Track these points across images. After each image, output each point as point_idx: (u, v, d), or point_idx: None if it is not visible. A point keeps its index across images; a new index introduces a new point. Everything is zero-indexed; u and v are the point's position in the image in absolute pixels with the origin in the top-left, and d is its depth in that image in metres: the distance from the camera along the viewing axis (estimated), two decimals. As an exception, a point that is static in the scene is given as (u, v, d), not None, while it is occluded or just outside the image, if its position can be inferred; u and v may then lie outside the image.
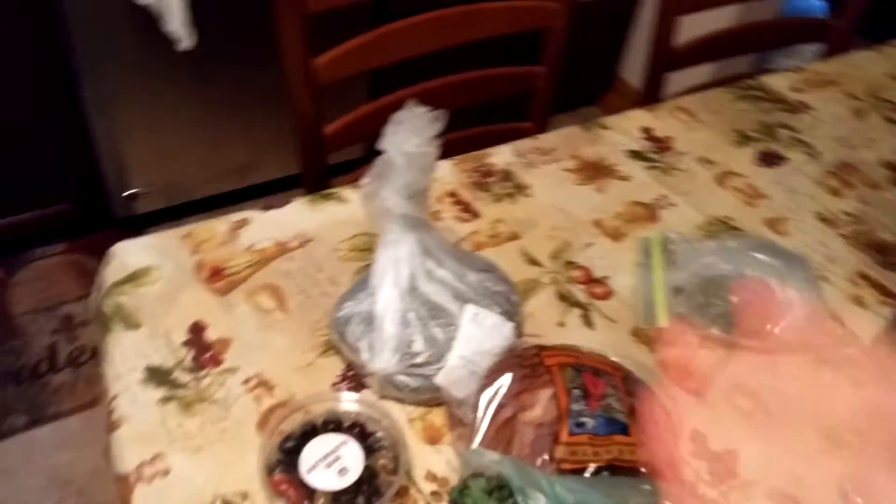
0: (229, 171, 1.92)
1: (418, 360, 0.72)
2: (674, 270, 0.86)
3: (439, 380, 0.71)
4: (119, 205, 1.84)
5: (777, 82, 1.28)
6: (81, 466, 1.52)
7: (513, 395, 0.65)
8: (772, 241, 0.94)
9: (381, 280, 0.75)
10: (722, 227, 0.98)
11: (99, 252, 1.93)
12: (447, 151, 1.22)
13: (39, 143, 1.68)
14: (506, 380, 0.67)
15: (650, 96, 1.37)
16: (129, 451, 0.69)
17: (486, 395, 0.67)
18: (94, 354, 1.68)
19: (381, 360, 0.72)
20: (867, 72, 1.34)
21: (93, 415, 1.60)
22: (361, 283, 0.79)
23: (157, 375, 0.75)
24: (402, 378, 0.72)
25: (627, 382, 0.67)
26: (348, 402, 0.71)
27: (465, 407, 0.69)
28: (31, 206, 1.76)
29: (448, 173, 1.02)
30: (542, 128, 1.29)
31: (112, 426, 0.71)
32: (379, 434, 0.69)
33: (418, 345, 0.73)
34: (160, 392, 0.74)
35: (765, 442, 0.74)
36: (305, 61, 1.02)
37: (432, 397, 0.73)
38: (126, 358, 0.76)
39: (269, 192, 2.03)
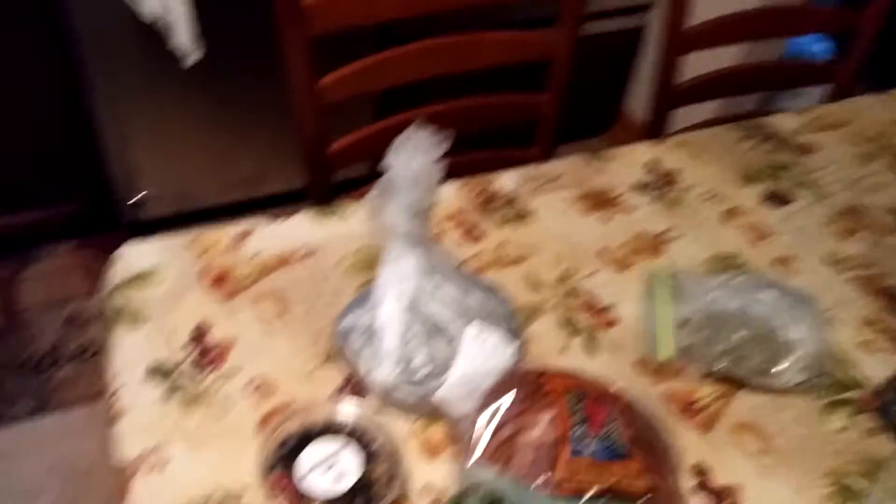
0: (237, 182, 1.95)
1: (418, 375, 0.73)
2: (680, 303, 0.87)
3: (438, 396, 0.73)
4: (126, 209, 1.86)
5: (784, 123, 1.30)
6: (83, 458, 1.53)
7: (513, 415, 0.66)
8: (778, 280, 0.95)
9: (384, 294, 0.76)
10: (727, 264, 0.99)
11: (106, 253, 1.95)
12: (452, 174, 1.24)
13: (52, 144, 1.71)
14: (506, 399, 0.68)
15: (655, 131, 1.39)
16: (129, 442, 0.71)
17: (486, 414, 0.68)
18: (99, 351, 1.70)
19: (381, 372, 0.73)
20: (873, 117, 1.36)
21: (96, 408, 1.61)
22: (365, 295, 0.80)
23: (160, 373, 0.76)
24: (401, 392, 0.74)
25: (629, 412, 0.68)
26: (348, 411, 0.72)
27: (464, 424, 0.70)
28: (43, 205, 1.79)
29: (453, 195, 1.04)
30: (547, 155, 1.31)
31: (113, 418, 0.73)
32: (377, 444, 0.70)
33: (419, 360, 0.74)
34: (161, 389, 0.75)
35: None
36: (310, 82, 1.04)
37: (433, 411, 0.74)
38: (129, 354, 0.78)
39: (275, 205, 2.05)
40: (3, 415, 1.57)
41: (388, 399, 0.75)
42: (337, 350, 0.78)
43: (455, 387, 0.73)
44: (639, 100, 2.39)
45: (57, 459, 1.52)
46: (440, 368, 0.74)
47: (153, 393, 0.74)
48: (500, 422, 0.67)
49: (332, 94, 1.06)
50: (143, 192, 1.84)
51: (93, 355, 1.70)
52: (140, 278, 0.85)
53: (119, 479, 0.68)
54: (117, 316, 0.81)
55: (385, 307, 0.76)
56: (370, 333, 0.76)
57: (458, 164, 1.24)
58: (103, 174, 1.79)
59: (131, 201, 1.84)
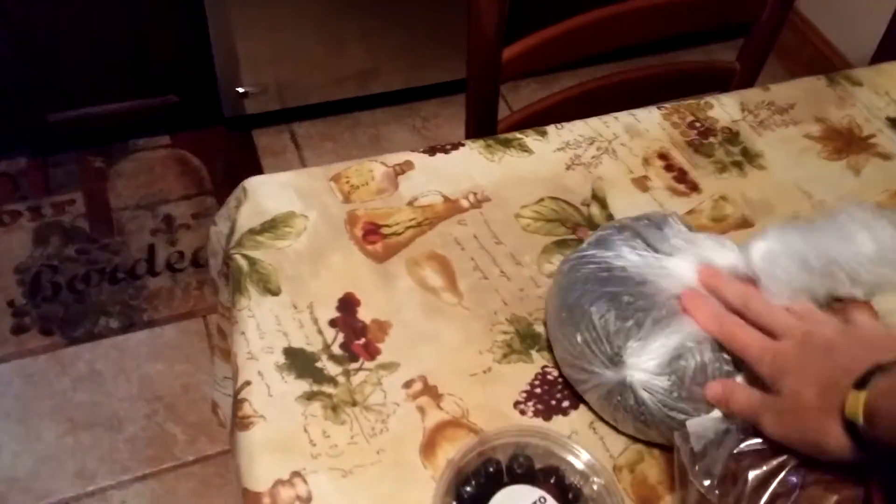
0: (347, 78, 1.73)
1: (684, 386, 0.53)
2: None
3: (692, 425, 0.52)
4: (228, 102, 1.68)
5: None
6: (173, 381, 1.43)
7: (807, 482, 0.46)
8: None
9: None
10: None
11: (204, 149, 1.76)
12: (635, 94, 0.99)
13: (151, 28, 1.51)
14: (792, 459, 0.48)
15: (892, 47, 1.08)
16: (261, 463, 0.54)
17: (755, 474, 0.48)
18: (193, 262, 1.57)
19: (640, 360, 0.53)
20: None
21: (189, 326, 1.50)
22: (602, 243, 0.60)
23: (300, 361, 0.59)
24: (644, 394, 0.53)
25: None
26: (545, 437, 0.54)
27: (707, 476, 0.51)
28: (137, 94, 1.62)
29: (656, 126, 0.80)
30: (754, 71, 1.03)
31: (242, 424, 0.56)
32: (585, 490, 0.52)
33: (690, 364, 0.53)
34: (302, 385, 0.58)
35: None
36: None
37: (662, 434, 0.55)
38: (263, 333, 0.60)
39: (387, 104, 1.83)
40: (90, 330, 1.47)
41: (626, 395, 0.54)
42: (567, 297, 0.58)
43: (717, 421, 0.53)
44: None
45: (146, 382, 1.42)
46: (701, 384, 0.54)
47: (292, 392, 0.57)
48: (776, 491, 0.47)
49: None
50: (248, 87, 1.65)
51: (187, 266, 1.57)
52: (275, 225, 0.67)
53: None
54: (247, 277, 0.63)
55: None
56: (627, 311, 0.55)
57: (636, 80, 1.00)
58: (205, 64, 1.60)
59: (236, 92, 1.65)
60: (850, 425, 0.45)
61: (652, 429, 0.55)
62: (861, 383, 0.45)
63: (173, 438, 1.37)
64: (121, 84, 1.59)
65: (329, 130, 1.80)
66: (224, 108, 1.68)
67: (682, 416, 0.53)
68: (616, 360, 0.54)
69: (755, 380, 0.52)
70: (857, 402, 0.44)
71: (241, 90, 1.64)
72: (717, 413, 0.53)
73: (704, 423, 0.52)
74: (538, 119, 0.90)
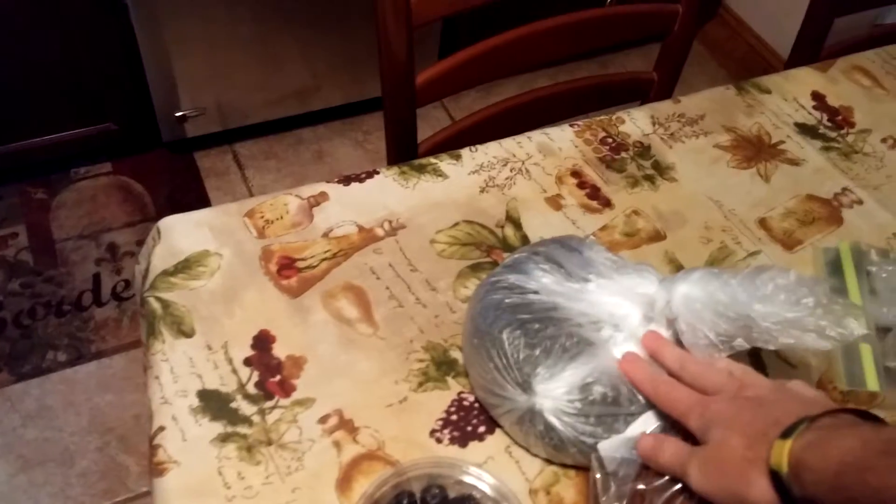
0: (287, 96, 1.73)
1: (593, 411, 0.54)
2: (875, 302, 0.66)
3: (603, 448, 0.54)
4: (167, 126, 1.66)
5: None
6: (124, 412, 1.42)
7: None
8: None
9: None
10: (924, 240, 0.77)
11: (146, 174, 1.74)
12: (556, 109, 1.01)
13: (83, 55, 1.50)
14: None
15: (806, 47, 1.12)
16: (176, 509, 0.54)
17: (663, 497, 0.50)
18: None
19: (548, 387, 0.54)
20: None
21: (137, 356, 1.48)
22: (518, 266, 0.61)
23: (214, 403, 0.59)
24: (553, 420, 0.55)
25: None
26: (459, 470, 0.55)
27: (618, 499, 0.52)
28: (74, 124, 1.60)
29: (569, 144, 0.82)
30: (672, 79, 1.06)
31: (156, 470, 0.56)
32: (497, 516, 0.53)
33: (598, 390, 0.55)
34: (217, 427, 0.58)
35: None
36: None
37: (573, 457, 0.56)
38: (177, 376, 0.60)
39: (329, 119, 1.84)
40: (38, 365, 1.45)
41: (536, 423, 0.55)
42: (479, 324, 0.58)
43: (627, 443, 0.54)
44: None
45: (97, 414, 1.40)
46: (619, 412, 0.55)
47: (206, 434, 0.57)
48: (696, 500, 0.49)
49: (425, 11, 0.81)
50: (186, 111, 1.64)
51: (133, 294, 1.56)
52: (188, 265, 0.67)
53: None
54: (160, 319, 0.63)
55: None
56: (539, 329, 0.56)
57: (557, 95, 1.01)
58: (140, 89, 1.58)
59: (175, 116, 1.64)
60: (775, 476, 0.44)
61: (563, 453, 0.56)
62: (787, 433, 0.45)
63: (126, 470, 1.36)
64: (57, 114, 1.57)
65: (272, 149, 1.80)
66: (163, 133, 1.67)
67: (592, 440, 0.55)
68: (526, 387, 0.56)
69: (669, 419, 0.53)
70: (781, 451, 0.44)
71: (179, 114, 1.63)
72: (629, 433, 0.54)
73: (616, 444, 0.53)
74: (460, 138, 0.91)
